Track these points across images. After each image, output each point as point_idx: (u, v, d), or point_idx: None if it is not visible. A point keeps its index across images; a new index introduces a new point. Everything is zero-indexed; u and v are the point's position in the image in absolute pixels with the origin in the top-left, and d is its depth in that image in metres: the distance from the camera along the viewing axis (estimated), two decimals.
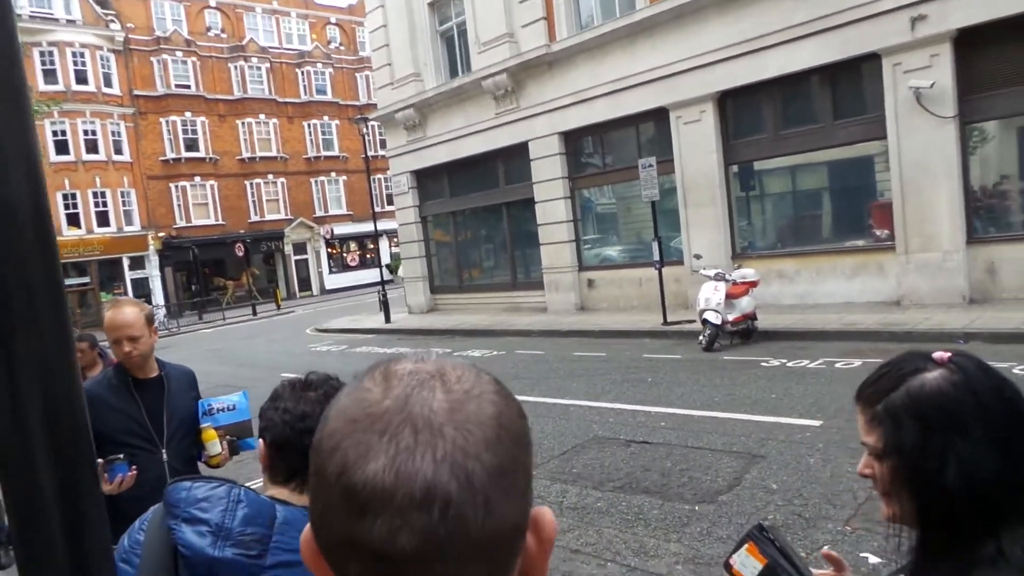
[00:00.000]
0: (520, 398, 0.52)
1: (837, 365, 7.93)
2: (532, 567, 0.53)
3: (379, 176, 35.97)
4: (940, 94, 10.01)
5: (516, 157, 16.21)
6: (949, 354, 0.98)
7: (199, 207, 32.75)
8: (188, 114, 32.35)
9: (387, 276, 21.75)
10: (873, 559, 3.63)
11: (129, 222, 30.62)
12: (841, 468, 4.84)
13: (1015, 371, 6.99)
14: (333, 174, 37.48)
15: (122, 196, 30.40)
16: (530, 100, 15.52)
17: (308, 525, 0.51)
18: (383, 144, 28.58)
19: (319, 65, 36.88)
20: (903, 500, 0.96)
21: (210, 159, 32.94)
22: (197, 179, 32.65)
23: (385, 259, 33.35)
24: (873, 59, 10.64)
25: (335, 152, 37.41)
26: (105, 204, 29.87)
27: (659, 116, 13.45)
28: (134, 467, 2.55)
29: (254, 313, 28.34)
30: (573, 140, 15.33)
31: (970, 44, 9.85)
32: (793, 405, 6.44)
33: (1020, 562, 0.88)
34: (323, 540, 0.49)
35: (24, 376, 0.71)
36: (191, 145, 32.60)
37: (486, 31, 16.00)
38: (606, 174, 15.17)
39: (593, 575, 3.92)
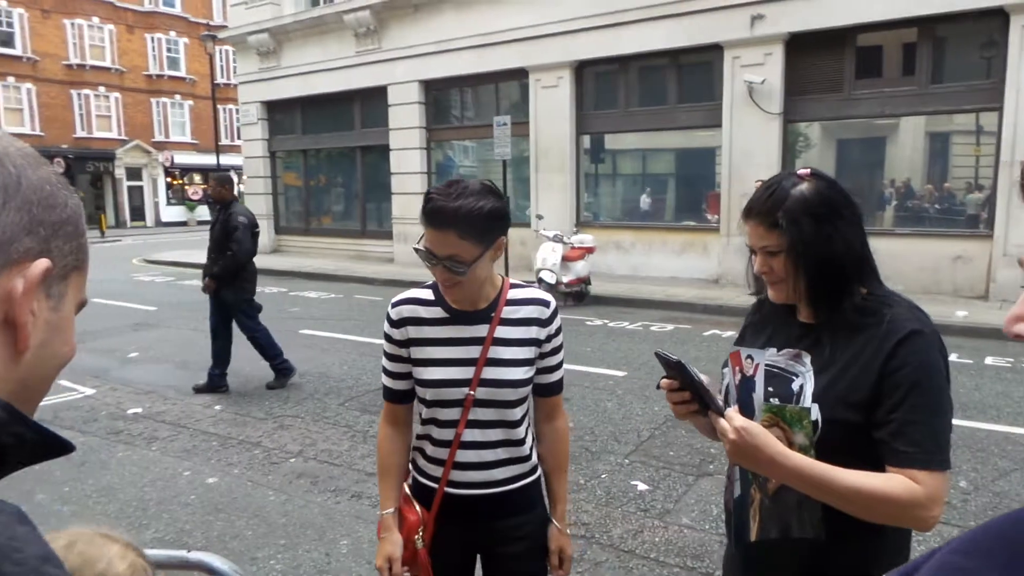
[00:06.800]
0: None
1: (652, 328, 8.54)
2: (12, 315, 0.48)
3: (229, 106, 33.60)
4: (769, 91, 10.89)
5: (374, 100, 15.74)
6: (808, 170, 1.35)
7: (12, 112, 28.88)
8: (2, 3, 28.31)
9: None
10: (641, 486, 4.00)
11: None
12: (632, 411, 5.25)
13: None
14: (178, 97, 34.41)
15: None
16: (393, 42, 15.08)
17: None
18: (235, 72, 26.64)
19: None
20: (798, 280, 1.31)
21: (28, 59, 29.11)
22: (11, 80, 28.74)
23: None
24: (716, 50, 11.35)
25: (181, 72, 34.31)
26: None
27: (520, 77, 13.58)
28: None
29: None
30: (433, 90, 15.12)
31: (798, 49, 10.77)
32: (604, 358, 6.87)
33: (890, 300, 1.30)
34: None
35: None
36: (5, 40, 28.62)
37: None
38: (463, 128, 15.13)
39: None
